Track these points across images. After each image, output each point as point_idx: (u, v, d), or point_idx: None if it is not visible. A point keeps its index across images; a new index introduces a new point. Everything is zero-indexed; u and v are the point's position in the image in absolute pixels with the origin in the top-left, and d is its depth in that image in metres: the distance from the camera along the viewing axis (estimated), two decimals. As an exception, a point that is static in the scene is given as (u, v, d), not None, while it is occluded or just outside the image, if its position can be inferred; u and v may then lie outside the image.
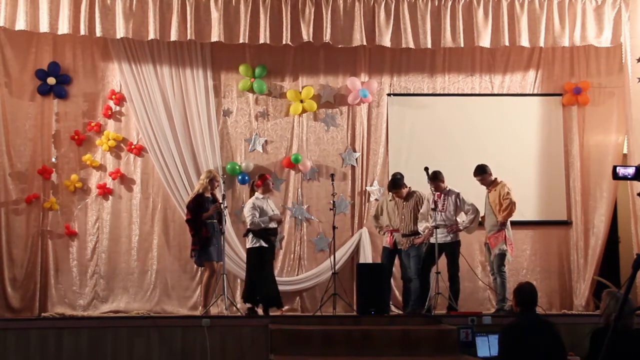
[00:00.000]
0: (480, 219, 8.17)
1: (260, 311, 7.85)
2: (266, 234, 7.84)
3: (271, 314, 7.80)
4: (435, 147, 9.25)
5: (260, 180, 8.07)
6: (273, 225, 7.96)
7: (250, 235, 7.86)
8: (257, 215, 7.82)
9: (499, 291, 7.94)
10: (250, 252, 7.91)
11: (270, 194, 8.23)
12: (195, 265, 8.96)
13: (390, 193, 8.40)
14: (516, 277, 8.86)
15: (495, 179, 8.07)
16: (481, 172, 8.07)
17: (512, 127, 9.46)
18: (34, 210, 8.92)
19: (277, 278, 8.88)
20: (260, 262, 7.82)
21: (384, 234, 8.45)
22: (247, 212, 7.94)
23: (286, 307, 8.96)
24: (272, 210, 8.01)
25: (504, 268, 7.94)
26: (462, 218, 8.15)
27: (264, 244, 7.81)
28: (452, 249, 8.01)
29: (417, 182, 8.27)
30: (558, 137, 9.49)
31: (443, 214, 7.97)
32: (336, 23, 8.64)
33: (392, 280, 8.64)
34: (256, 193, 8.06)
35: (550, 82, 9.61)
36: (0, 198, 8.79)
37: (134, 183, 9.15)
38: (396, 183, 8.22)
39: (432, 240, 7.90)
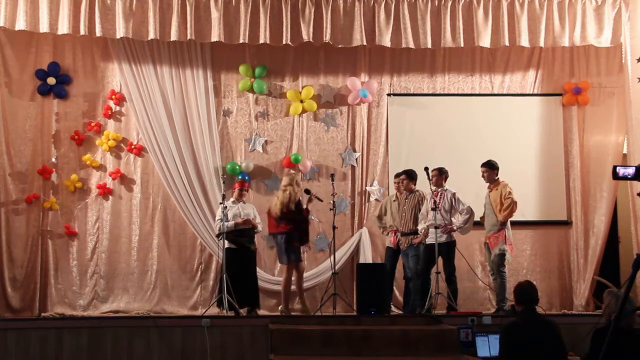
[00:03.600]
0: (479, 219, 8.17)
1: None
2: (233, 236, 7.87)
3: (271, 314, 7.78)
4: (435, 147, 9.25)
5: (237, 185, 8.20)
6: (243, 227, 7.96)
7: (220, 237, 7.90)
8: (223, 220, 7.82)
9: (498, 291, 7.93)
10: (225, 253, 7.88)
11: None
12: (195, 265, 8.99)
13: (395, 192, 8.43)
14: (516, 277, 8.83)
15: (497, 178, 8.07)
16: (489, 166, 8.06)
17: (512, 127, 9.46)
18: (34, 210, 8.91)
19: (277, 278, 8.90)
20: (230, 263, 7.76)
21: (387, 234, 8.45)
22: (216, 217, 8.09)
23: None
24: (241, 213, 8.01)
25: (503, 268, 7.93)
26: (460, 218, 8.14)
27: (233, 246, 7.86)
28: (446, 250, 7.99)
29: (417, 182, 8.29)
30: (558, 137, 9.49)
31: (438, 213, 7.97)
32: (336, 23, 8.63)
33: (394, 280, 8.62)
34: (231, 197, 8.14)
35: (550, 82, 9.61)
36: (0, 198, 8.77)
37: (134, 183, 9.14)
38: (411, 174, 8.24)
39: (428, 240, 7.90)
